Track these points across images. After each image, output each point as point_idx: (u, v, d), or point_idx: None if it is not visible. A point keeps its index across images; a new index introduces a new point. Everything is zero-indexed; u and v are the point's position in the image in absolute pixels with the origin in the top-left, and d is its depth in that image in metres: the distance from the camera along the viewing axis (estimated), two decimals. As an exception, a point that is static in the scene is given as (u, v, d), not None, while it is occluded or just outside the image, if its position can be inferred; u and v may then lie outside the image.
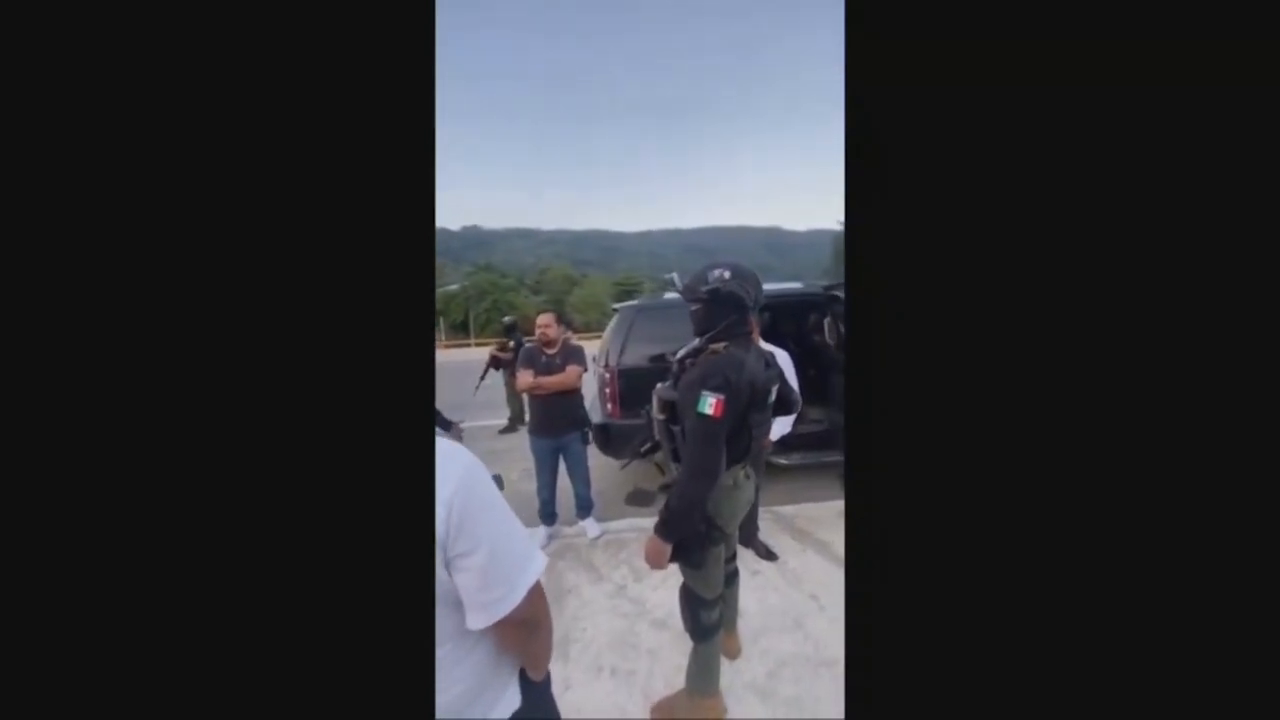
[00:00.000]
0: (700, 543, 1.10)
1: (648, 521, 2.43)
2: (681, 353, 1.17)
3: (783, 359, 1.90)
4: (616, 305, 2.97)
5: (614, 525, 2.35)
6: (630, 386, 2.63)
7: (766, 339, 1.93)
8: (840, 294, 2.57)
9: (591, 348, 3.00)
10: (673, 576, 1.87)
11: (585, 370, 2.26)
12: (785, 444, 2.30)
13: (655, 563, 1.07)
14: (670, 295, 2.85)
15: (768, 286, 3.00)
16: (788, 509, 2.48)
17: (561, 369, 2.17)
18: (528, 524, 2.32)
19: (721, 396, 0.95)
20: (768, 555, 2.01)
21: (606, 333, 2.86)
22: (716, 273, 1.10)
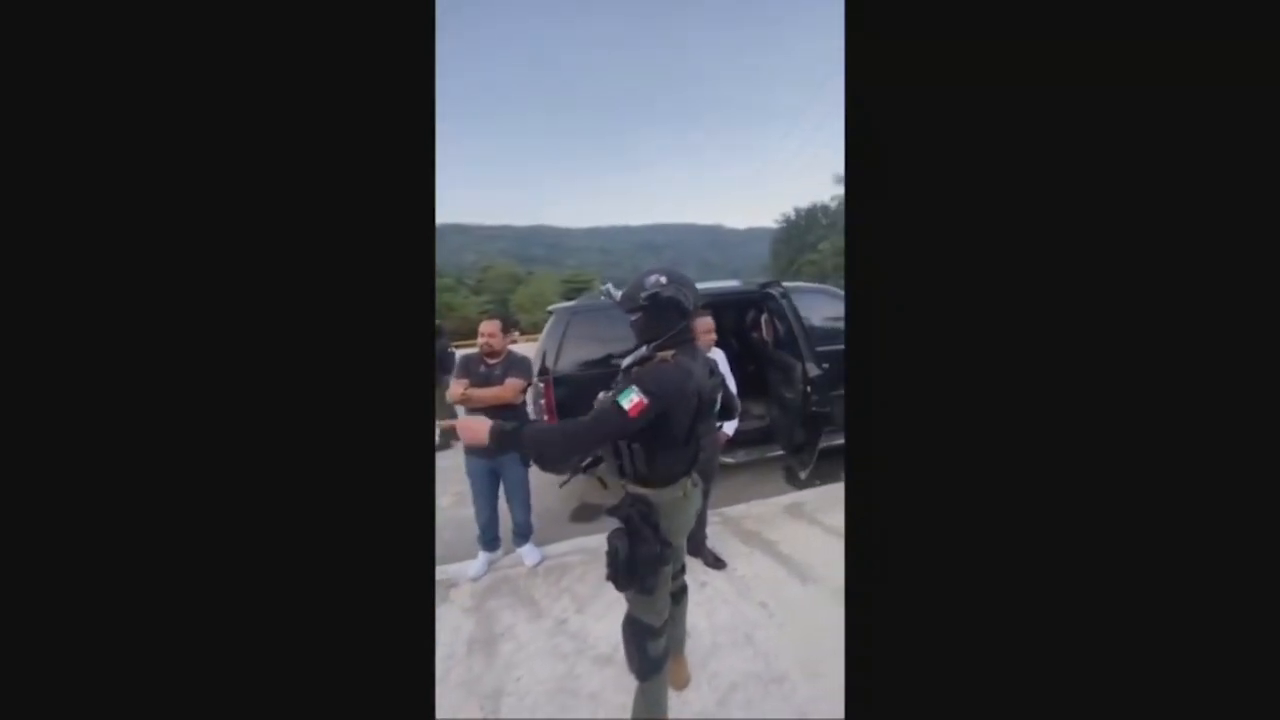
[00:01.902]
0: (653, 565, 1.02)
1: (593, 542, 2.28)
2: (627, 361, 1.10)
3: (721, 361, 1.84)
4: (551, 307, 2.77)
5: (555, 549, 2.17)
6: (568, 395, 2.45)
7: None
8: (774, 291, 2.58)
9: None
10: (618, 605, 1.75)
11: (529, 384, 2.03)
12: (729, 442, 2.27)
13: (470, 438, 0.98)
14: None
15: (707, 285, 2.94)
16: (735, 509, 2.46)
17: (501, 381, 1.93)
18: (467, 553, 2.09)
19: (647, 401, 0.92)
20: (716, 563, 1.96)
21: (541, 338, 2.66)
22: (653, 279, 1.05)
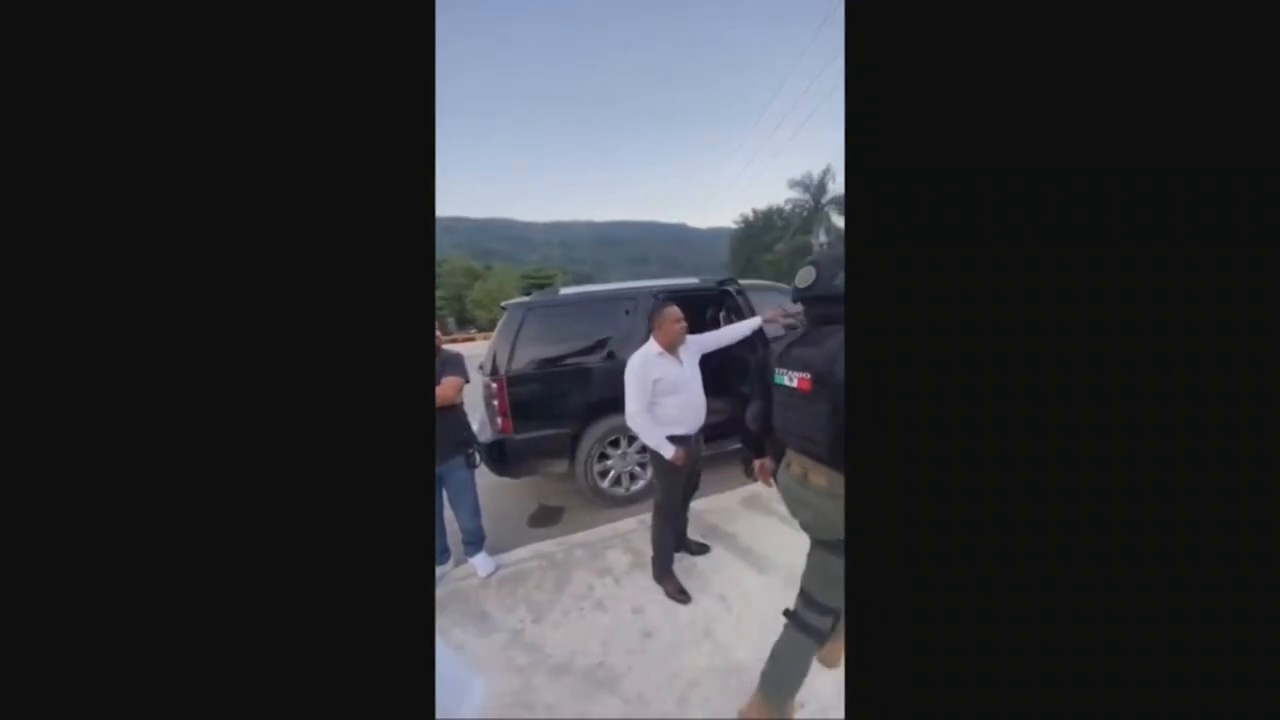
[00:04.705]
0: None
1: (551, 547, 2.20)
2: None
3: (694, 352, 1.88)
4: (504, 303, 2.64)
5: (511, 556, 2.08)
6: (524, 396, 2.35)
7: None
8: (730, 288, 2.61)
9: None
10: (576, 611, 1.70)
11: (466, 381, 1.91)
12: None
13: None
14: (566, 291, 2.62)
15: (671, 281, 2.91)
16: (697, 503, 2.47)
17: (436, 380, 1.80)
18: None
19: None
20: (699, 549, 2.01)
21: (493, 337, 2.52)
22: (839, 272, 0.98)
